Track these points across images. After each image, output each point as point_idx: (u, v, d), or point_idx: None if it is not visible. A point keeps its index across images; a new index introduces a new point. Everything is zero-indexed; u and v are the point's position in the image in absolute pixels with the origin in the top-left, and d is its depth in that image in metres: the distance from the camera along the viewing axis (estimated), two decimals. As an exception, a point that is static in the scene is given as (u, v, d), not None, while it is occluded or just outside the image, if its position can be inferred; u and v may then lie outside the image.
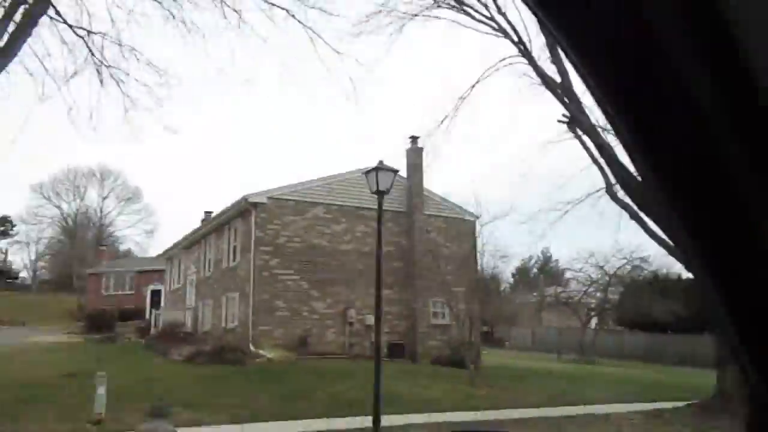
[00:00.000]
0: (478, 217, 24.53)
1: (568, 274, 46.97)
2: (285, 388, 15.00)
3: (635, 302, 38.72)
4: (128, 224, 69.82)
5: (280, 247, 20.65)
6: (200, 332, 24.73)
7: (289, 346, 19.72)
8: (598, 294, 40.74)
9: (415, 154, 23.56)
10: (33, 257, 71.93)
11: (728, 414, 13.64)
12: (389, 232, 22.78)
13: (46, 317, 45.69)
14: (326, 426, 10.99)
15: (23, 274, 73.93)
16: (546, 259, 67.58)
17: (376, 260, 9.84)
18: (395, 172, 9.86)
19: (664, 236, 15.71)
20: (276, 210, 20.83)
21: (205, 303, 25.26)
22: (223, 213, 22.86)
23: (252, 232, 20.33)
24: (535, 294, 51.07)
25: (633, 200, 15.54)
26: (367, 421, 11.76)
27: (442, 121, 16.34)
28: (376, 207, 22.56)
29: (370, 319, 21.50)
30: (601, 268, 34.75)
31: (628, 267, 35.04)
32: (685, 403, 15.01)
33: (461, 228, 24.31)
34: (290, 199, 21.13)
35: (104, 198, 67.93)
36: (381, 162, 9.89)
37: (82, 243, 63.39)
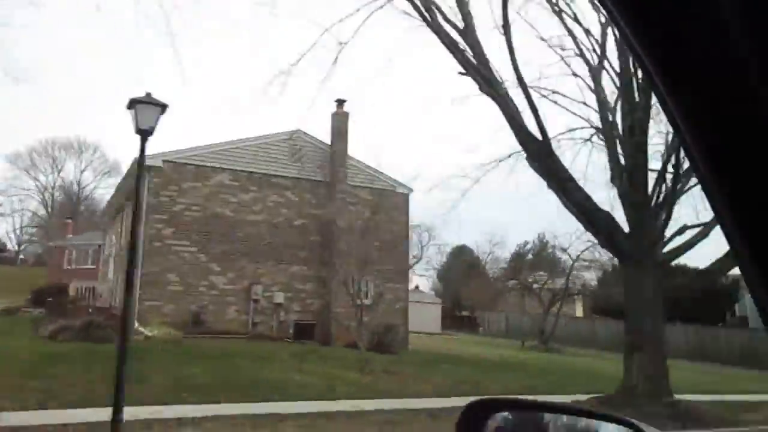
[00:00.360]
0: (411, 191, 22.68)
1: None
2: (133, 370, 13.22)
3: (611, 289, 36.89)
4: (107, 199, 68.47)
5: (176, 215, 18.83)
6: (113, 306, 23.10)
7: (179, 323, 17.98)
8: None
9: (339, 119, 21.62)
10: (17, 230, 70.93)
11: (629, 409, 11.75)
12: (306, 204, 20.96)
13: (18, 291, 44.52)
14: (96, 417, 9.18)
15: (10, 246, 72.97)
16: (543, 245, 65.81)
17: (133, 220, 7.92)
18: (162, 106, 7.88)
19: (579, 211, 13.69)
20: (173, 175, 18.98)
21: (119, 276, 23.60)
22: (125, 179, 21.09)
23: (143, 199, 18.51)
24: (515, 280, 49.28)
25: (538, 171, 13.44)
26: (179, 410, 10.02)
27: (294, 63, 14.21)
28: (291, 175, 20.85)
29: (280, 297, 19.79)
30: (565, 251, 32.65)
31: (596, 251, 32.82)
32: (590, 395, 13.12)
33: (392, 201, 22.36)
34: (190, 164, 19.26)
35: (82, 171, 66.58)
36: (148, 94, 7.94)
37: (61, 216, 62.12)
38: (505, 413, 1.63)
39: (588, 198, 12.79)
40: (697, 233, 13.70)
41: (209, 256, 19.06)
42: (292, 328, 19.61)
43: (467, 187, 16.14)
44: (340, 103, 21.62)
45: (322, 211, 21.07)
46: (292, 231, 20.46)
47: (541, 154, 12.76)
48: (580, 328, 38.35)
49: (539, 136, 13.16)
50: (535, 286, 36.47)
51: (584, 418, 1.59)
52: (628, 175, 13.22)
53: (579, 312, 47.92)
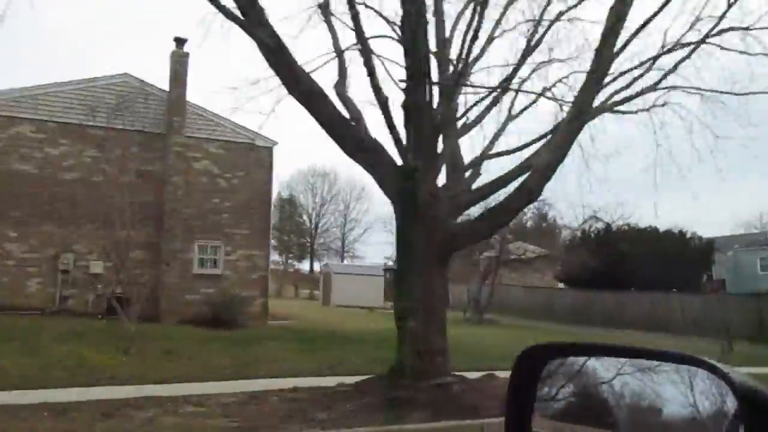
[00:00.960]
0: (275, 143, 19.59)
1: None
2: None
3: (574, 257, 33.70)
4: None
5: (-40, 173, 16.07)
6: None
7: (-42, 301, 15.28)
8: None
9: (178, 61, 18.54)
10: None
11: (370, 397, 8.71)
12: (138, 159, 18.00)
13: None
14: None
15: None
16: (542, 216, 62.29)
17: None
18: None
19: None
20: (-45, 126, 16.18)
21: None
22: None
23: None
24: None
25: (277, 74, 9.96)
26: None
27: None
28: (115, 126, 17.88)
29: (98, 266, 16.94)
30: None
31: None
32: (346, 377, 10.10)
33: (250, 156, 19.32)
34: (-22, 113, 16.43)
35: None
36: None
37: None
38: (562, 359, 1.60)
39: (338, 113, 9.51)
40: (514, 168, 10.28)
41: (4, 221, 16.30)
42: (105, 302, 16.75)
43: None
44: (180, 42, 18.55)
45: (156, 168, 18.12)
46: (116, 191, 17.50)
47: (270, 48, 9.25)
48: (535, 298, 35.01)
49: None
50: (483, 255, 33.28)
51: (650, 360, 1.47)
52: (407, 82, 9.91)
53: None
